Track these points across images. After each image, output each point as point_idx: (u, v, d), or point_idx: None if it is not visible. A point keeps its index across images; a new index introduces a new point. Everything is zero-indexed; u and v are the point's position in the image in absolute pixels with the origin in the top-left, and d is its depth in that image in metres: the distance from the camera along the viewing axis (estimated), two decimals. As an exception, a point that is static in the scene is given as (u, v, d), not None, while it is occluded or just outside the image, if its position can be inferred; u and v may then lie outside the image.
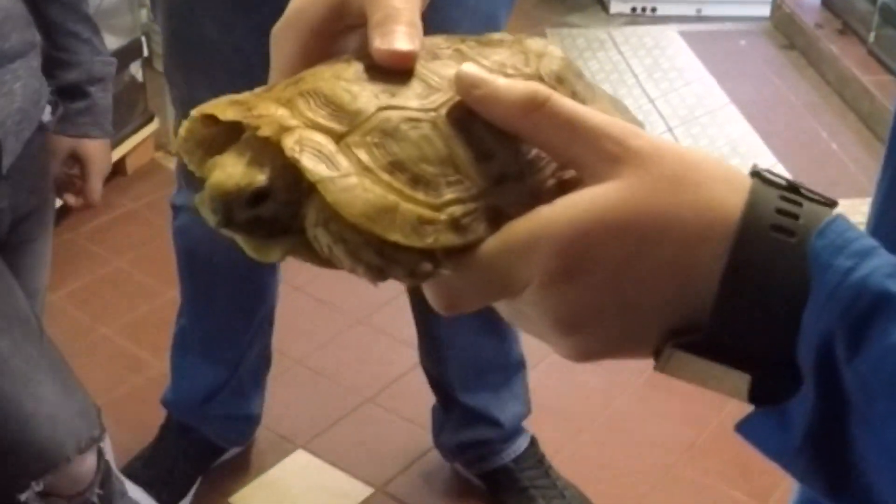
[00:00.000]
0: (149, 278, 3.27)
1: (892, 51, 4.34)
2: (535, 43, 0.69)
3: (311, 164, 0.60)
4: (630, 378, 2.94)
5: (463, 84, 0.63)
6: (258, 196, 0.61)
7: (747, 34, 4.96)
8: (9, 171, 1.75)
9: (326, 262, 0.63)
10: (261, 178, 0.61)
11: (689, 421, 2.81)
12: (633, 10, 5.16)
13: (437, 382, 2.52)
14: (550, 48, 0.68)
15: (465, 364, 2.45)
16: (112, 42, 3.53)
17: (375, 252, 0.60)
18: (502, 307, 0.66)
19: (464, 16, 1.97)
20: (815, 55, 4.64)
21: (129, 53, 3.66)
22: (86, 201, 2.03)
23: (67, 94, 1.93)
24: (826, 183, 3.80)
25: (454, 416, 2.51)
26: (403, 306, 2.60)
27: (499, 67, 0.65)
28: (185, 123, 0.65)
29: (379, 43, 0.64)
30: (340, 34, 0.70)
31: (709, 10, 5.10)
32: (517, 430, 2.53)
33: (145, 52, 3.75)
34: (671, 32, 4.91)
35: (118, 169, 3.60)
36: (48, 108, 1.87)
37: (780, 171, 3.83)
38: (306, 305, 3.16)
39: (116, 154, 3.39)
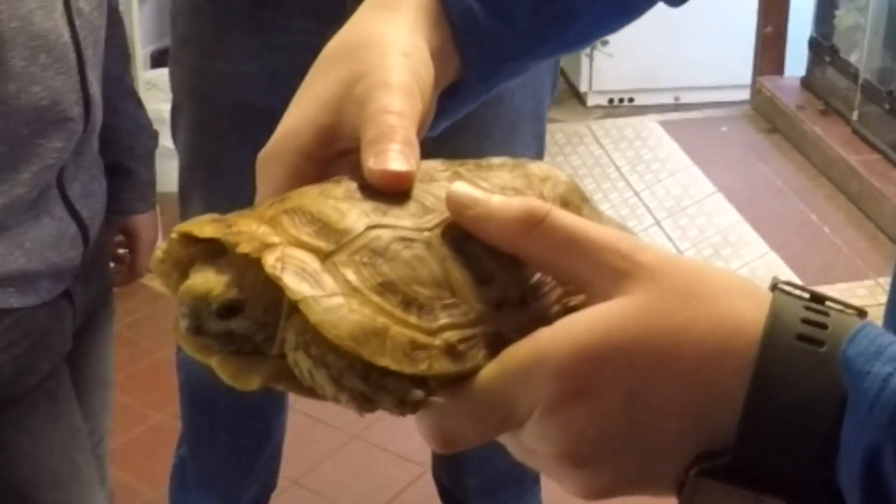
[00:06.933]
0: (135, 401, 3.17)
1: (876, 129, 4.31)
2: (537, 167, 0.65)
3: (294, 283, 0.56)
4: None
5: (454, 204, 0.58)
6: (230, 308, 0.58)
7: (728, 120, 4.94)
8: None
9: (309, 391, 0.59)
10: (234, 290, 0.57)
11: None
12: (611, 101, 5.15)
13: (450, 493, 2.47)
14: (555, 171, 0.65)
15: (483, 475, 2.39)
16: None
17: (361, 378, 0.57)
18: (508, 442, 0.60)
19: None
20: (799, 137, 4.62)
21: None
22: (133, 275, 1.96)
23: (111, 171, 1.81)
24: (820, 267, 3.76)
25: (466, 530, 2.44)
26: (400, 419, 2.52)
27: (499, 190, 0.61)
28: (163, 244, 0.62)
29: (373, 163, 0.60)
30: (332, 159, 0.65)
31: (687, 98, 5.08)
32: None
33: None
34: (651, 123, 4.89)
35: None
36: None
37: (774, 258, 3.81)
38: (298, 423, 3.05)
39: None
